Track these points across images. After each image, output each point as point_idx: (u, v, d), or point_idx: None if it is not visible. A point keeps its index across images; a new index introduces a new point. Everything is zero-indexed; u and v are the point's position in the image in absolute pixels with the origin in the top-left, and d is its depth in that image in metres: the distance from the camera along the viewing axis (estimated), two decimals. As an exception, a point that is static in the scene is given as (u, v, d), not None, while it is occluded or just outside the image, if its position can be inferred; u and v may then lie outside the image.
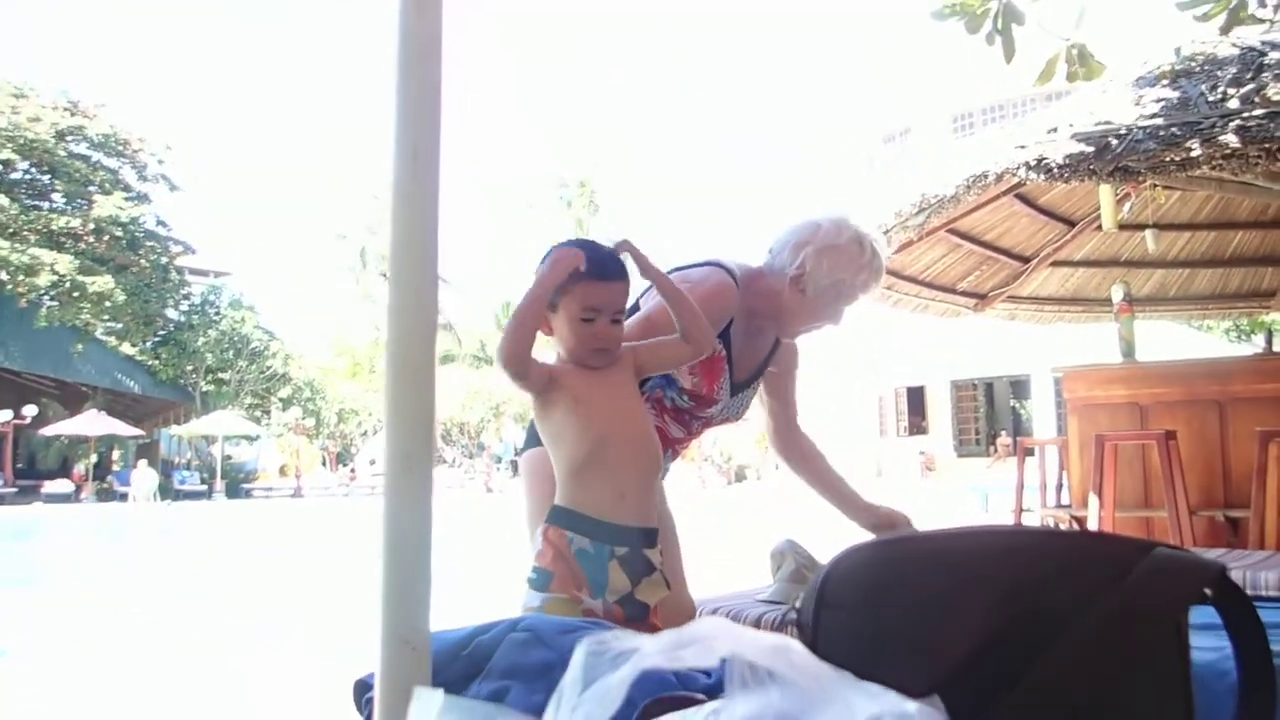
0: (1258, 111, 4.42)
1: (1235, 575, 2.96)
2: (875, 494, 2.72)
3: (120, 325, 31.45)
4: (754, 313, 2.39)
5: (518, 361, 1.86)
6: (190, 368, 33.34)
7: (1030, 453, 6.83)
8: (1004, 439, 26.02)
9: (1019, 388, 28.85)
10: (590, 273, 1.90)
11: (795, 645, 0.47)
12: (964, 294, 7.23)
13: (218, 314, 34.57)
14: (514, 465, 32.25)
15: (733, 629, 0.47)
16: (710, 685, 0.83)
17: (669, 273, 2.20)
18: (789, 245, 2.36)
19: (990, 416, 29.88)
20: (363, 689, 1.34)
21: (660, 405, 2.37)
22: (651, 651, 0.47)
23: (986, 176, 4.95)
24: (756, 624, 2.21)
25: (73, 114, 30.19)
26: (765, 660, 0.46)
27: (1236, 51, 5.08)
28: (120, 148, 31.27)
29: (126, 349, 32.10)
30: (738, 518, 15.62)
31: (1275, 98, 4.46)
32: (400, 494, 0.98)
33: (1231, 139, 4.31)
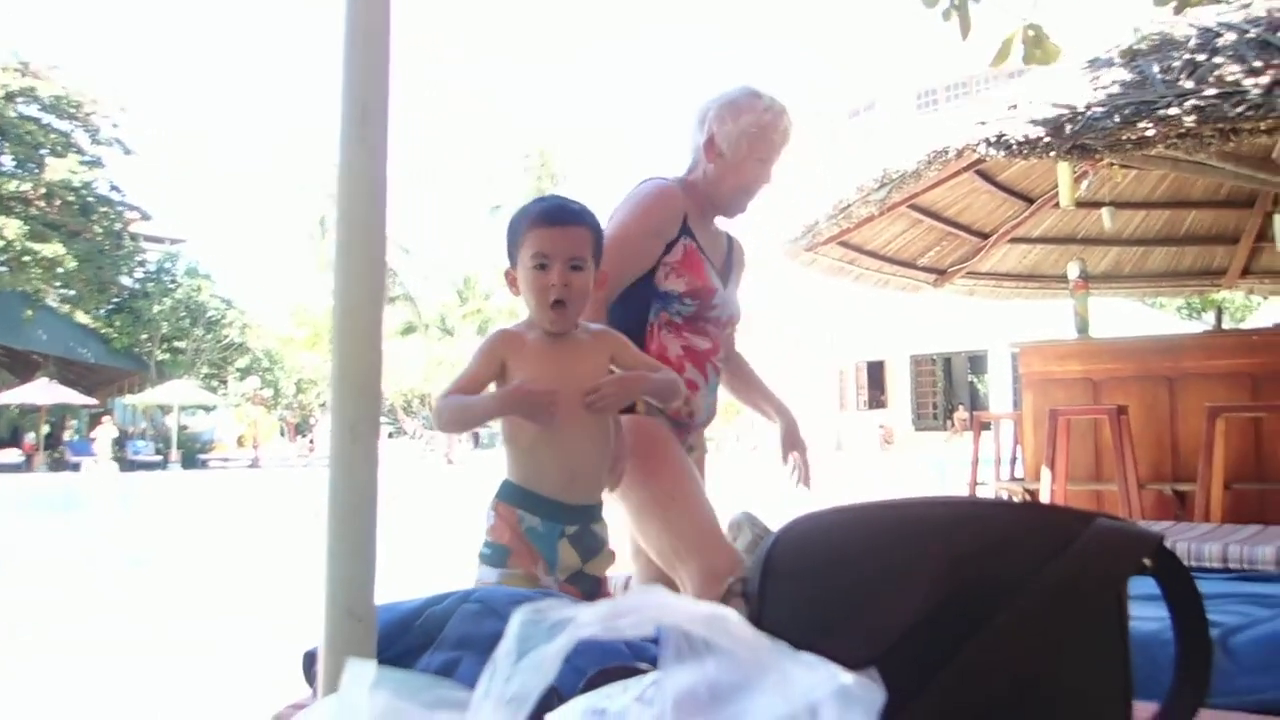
0: (1211, 92, 4.47)
1: (1180, 548, 3.02)
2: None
3: (73, 292, 30.86)
4: (700, 210, 2.41)
5: (449, 432, 1.86)
6: (145, 336, 32.82)
7: (986, 426, 6.91)
8: (961, 413, 26.36)
9: (977, 363, 29.18)
10: (540, 217, 1.86)
11: (732, 615, 0.47)
12: (924, 269, 7.28)
13: (174, 282, 33.99)
14: (475, 437, 32.14)
15: (670, 598, 0.46)
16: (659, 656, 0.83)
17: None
18: (693, 125, 2.42)
19: (948, 391, 30.23)
20: (311, 660, 1.32)
21: (672, 325, 2.34)
22: (588, 621, 0.46)
23: (947, 152, 4.97)
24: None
25: (23, 75, 29.42)
26: (702, 630, 0.45)
27: (1193, 32, 5.13)
28: (73, 110, 30.52)
29: (80, 316, 31.51)
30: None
31: (1229, 78, 4.51)
32: (346, 463, 0.96)
33: (1186, 118, 4.35)
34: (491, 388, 1.86)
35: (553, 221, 1.85)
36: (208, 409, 34.60)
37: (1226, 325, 15.48)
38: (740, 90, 2.39)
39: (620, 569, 2.23)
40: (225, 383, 35.63)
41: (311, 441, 35.16)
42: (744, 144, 2.36)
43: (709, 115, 2.38)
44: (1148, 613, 1.02)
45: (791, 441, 2.60)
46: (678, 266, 2.29)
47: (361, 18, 0.95)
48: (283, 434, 37.02)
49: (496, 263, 1.98)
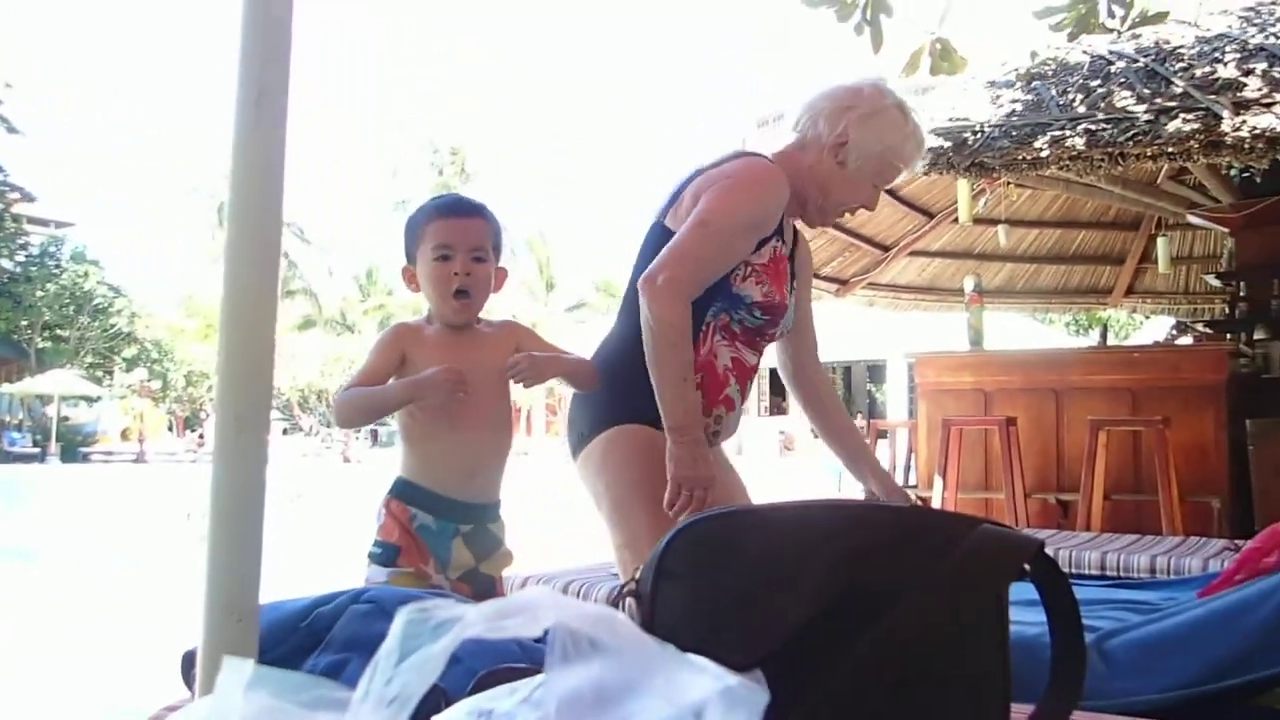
0: (1103, 117, 4.65)
1: (1061, 555, 3.13)
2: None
3: (-54, 275, 29.38)
4: (791, 206, 2.10)
5: (352, 426, 1.84)
6: (25, 323, 31.37)
7: (883, 434, 7.07)
8: (859, 421, 26.91)
9: (875, 372, 29.85)
10: (440, 209, 1.87)
11: (620, 616, 0.46)
12: (826, 279, 7.41)
13: (58, 267, 32.55)
14: (373, 435, 31.58)
15: (558, 599, 0.46)
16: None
17: (690, 178, 2.05)
18: (825, 113, 2.06)
19: (848, 399, 30.84)
20: (190, 661, 1.28)
21: (729, 333, 2.04)
22: (474, 620, 0.45)
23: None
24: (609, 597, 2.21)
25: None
26: (589, 630, 0.44)
27: (1086, 59, 5.34)
28: (-48, 84, 29.04)
29: (-47, 301, 30.01)
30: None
31: (1119, 105, 4.71)
32: (231, 457, 0.92)
33: (1078, 141, 4.52)
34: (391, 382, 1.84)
35: (453, 213, 1.86)
36: (91, 400, 33.22)
37: (1111, 342, 16.13)
38: (892, 101, 2.07)
39: (518, 570, 2.21)
40: (111, 373, 34.28)
41: (201, 436, 34.06)
42: (874, 164, 2.06)
43: (850, 115, 2.03)
44: (1028, 618, 1.05)
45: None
46: (761, 271, 2.00)
47: (261, -4, 0.92)
48: (171, 428, 35.78)
49: (401, 258, 1.95)
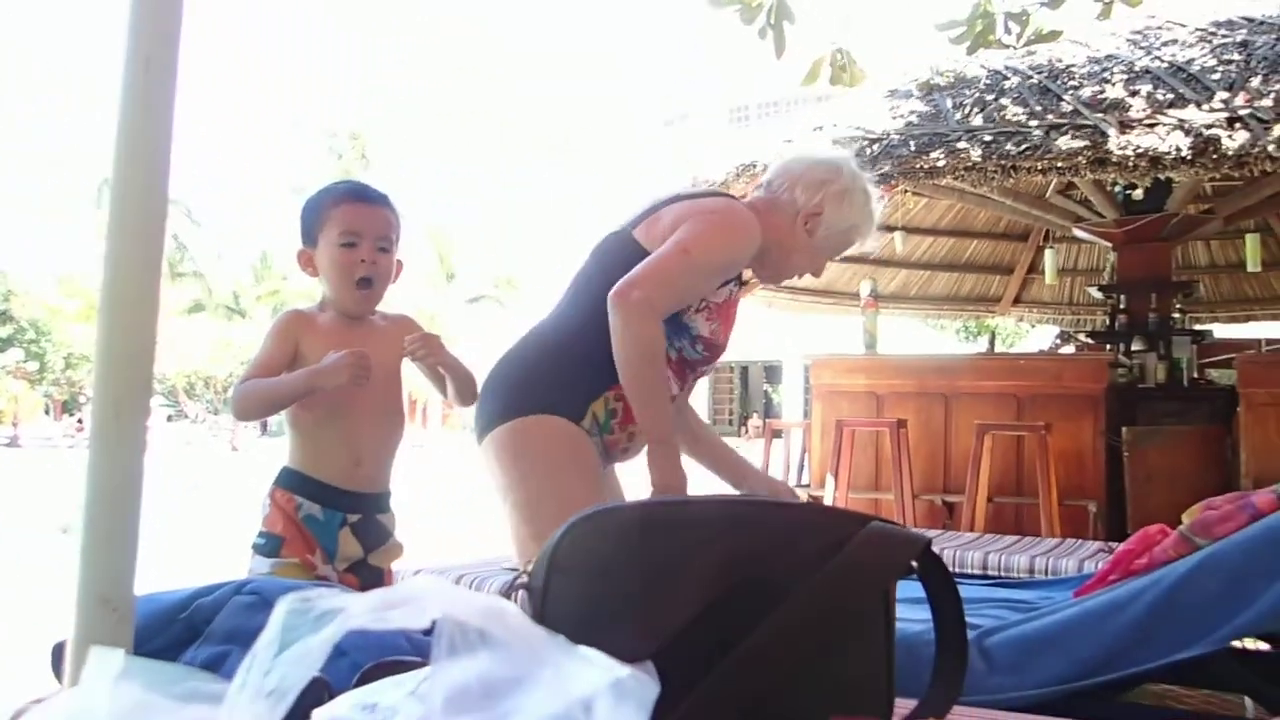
0: (997, 130, 4.80)
1: (946, 554, 3.22)
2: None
3: None
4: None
5: (252, 419, 1.80)
6: (-111, 298, 29.73)
7: (778, 434, 7.17)
8: (755, 420, 27.27)
9: (772, 373, 30.28)
10: (348, 195, 1.83)
11: (510, 607, 0.46)
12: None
13: (-73, 240, 30.92)
14: (263, 424, 30.74)
15: (446, 589, 0.45)
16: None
17: (669, 200, 2.06)
18: (804, 182, 2.13)
19: (744, 399, 31.24)
20: (60, 653, 1.23)
21: (665, 359, 2.03)
22: (358, 612, 0.44)
23: (756, 166, 5.13)
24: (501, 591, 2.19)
25: None
26: (478, 622, 0.44)
27: (984, 73, 5.50)
28: None
29: None
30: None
31: (1012, 119, 4.86)
32: (107, 442, 0.89)
33: (973, 153, 4.66)
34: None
35: (361, 199, 1.83)
36: (-39, 381, 31.65)
37: (998, 349, 16.67)
38: (864, 185, 2.16)
39: (410, 563, 2.17)
40: (-16, 354, 32.71)
41: (80, 420, 32.71)
42: (837, 240, 2.17)
43: (828, 188, 2.11)
44: (913, 615, 1.07)
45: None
46: (714, 309, 2.06)
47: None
48: (48, 412, 34.31)
49: (297, 242, 1.90)
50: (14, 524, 9.56)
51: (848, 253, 2.39)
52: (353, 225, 1.79)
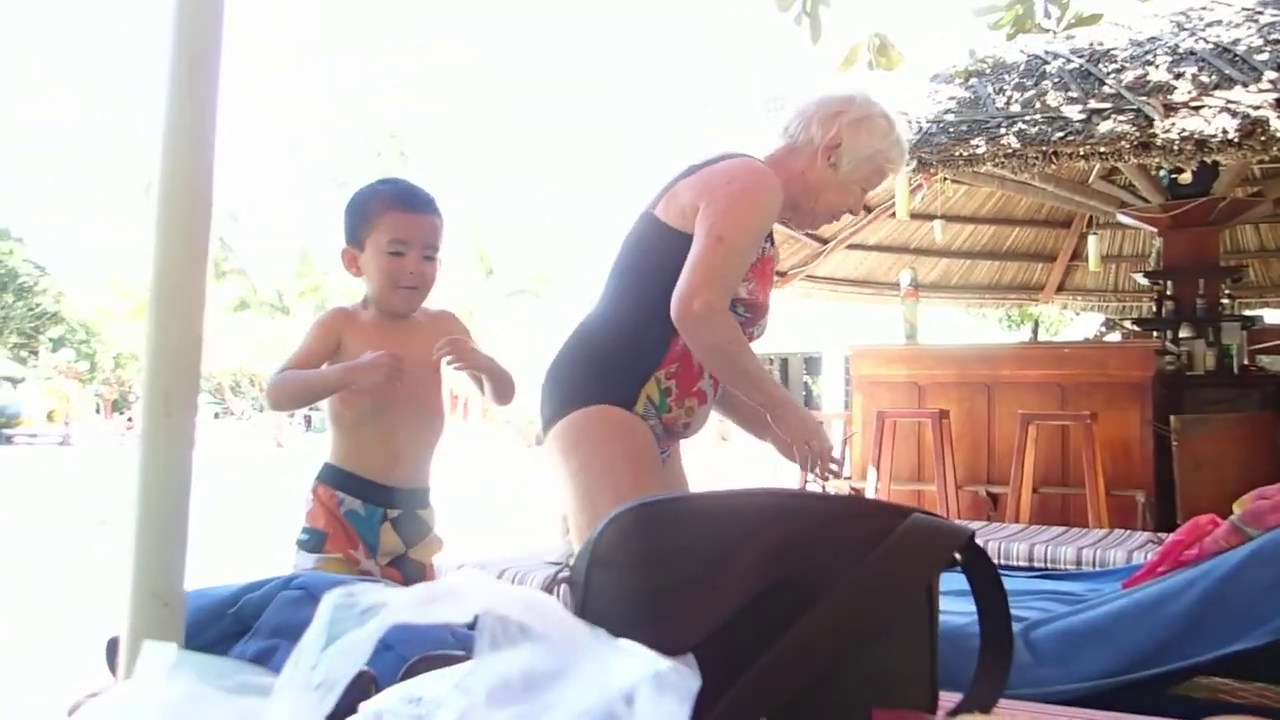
0: (1037, 116, 4.74)
1: (990, 546, 3.19)
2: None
3: None
4: (782, 210, 2.12)
5: (285, 409, 1.81)
6: (-55, 300, 30.42)
7: (818, 426, 7.10)
8: (796, 413, 27.12)
9: (812, 364, 30.11)
10: (397, 202, 1.83)
11: (550, 601, 0.46)
12: (765, 270, 7.44)
13: (-22, 244, 31.61)
14: (307, 420, 31.13)
15: (485, 584, 0.45)
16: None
17: (684, 174, 2.03)
18: (816, 118, 2.10)
19: (784, 390, 31.11)
20: (114, 648, 1.25)
21: None
22: (401, 606, 0.45)
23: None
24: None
25: None
26: (519, 616, 0.44)
27: (1023, 58, 5.43)
28: None
29: None
30: (539, 479, 15.62)
31: (1053, 104, 4.80)
32: (158, 438, 0.90)
33: (1013, 140, 4.60)
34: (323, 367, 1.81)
35: (411, 207, 1.84)
36: (15, 381, 32.29)
37: (1041, 338, 16.46)
38: (882, 111, 2.13)
39: (454, 557, 2.19)
40: (36, 354, 33.36)
41: (130, 419, 33.31)
42: (864, 168, 2.11)
43: (842, 119, 2.08)
44: (957, 607, 1.06)
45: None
46: (750, 271, 2.01)
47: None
48: (99, 410, 34.94)
49: (339, 240, 1.92)
50: (55, 518, 9.76)
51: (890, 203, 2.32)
52: (401, 234, 1.81)
